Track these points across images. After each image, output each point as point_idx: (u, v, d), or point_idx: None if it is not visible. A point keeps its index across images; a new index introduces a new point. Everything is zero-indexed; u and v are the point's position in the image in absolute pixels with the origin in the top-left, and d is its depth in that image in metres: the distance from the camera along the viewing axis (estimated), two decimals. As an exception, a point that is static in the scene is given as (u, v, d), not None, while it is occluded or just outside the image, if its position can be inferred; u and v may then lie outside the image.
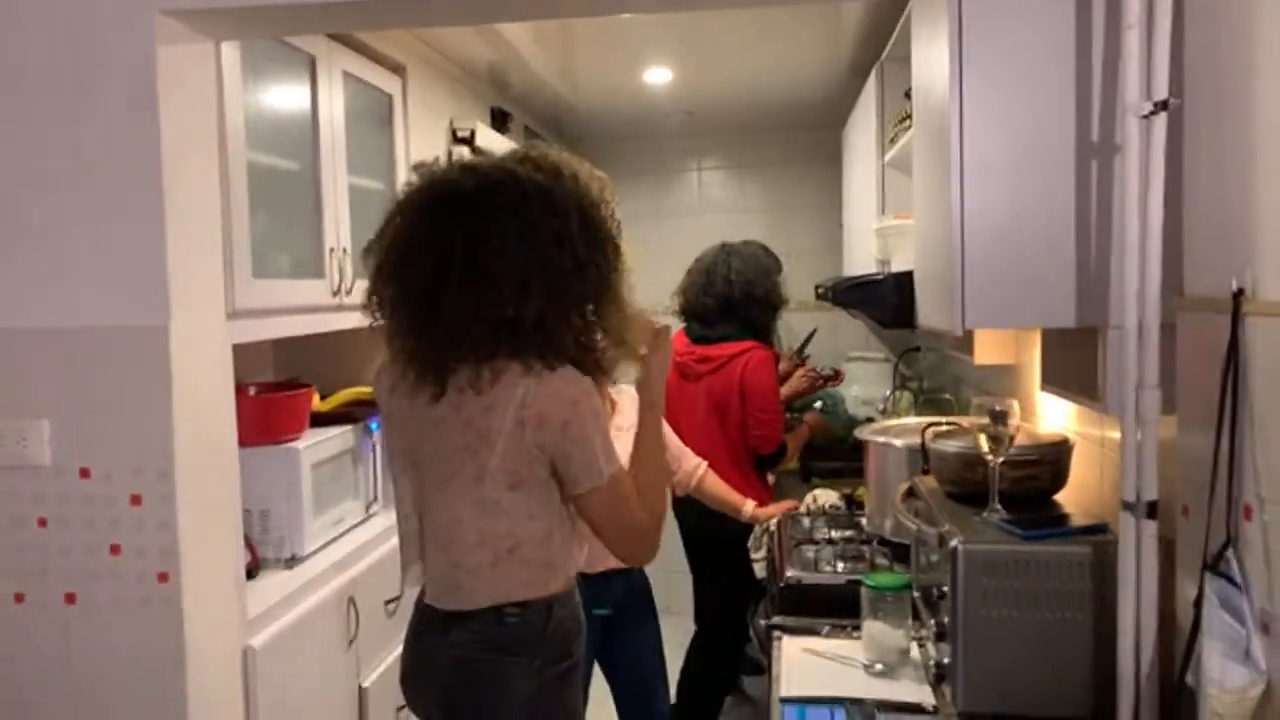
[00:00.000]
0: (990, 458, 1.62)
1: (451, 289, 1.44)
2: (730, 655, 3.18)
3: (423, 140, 2.71)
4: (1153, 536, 1.34)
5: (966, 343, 2.52)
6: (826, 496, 2.77)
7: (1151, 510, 1.34)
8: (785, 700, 1.64)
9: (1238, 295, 1.20)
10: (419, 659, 1.60)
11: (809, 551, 2.30)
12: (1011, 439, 1.61)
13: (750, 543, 2.64)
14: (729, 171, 4.66)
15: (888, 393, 3.58)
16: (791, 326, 3.90)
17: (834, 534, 2.42)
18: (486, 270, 1.43)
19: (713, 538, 2.94)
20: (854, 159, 3.49)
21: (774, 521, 2.60)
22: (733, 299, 2.99)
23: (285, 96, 2.05)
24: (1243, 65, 1.21)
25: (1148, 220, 1.31)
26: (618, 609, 2.40)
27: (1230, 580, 1.21)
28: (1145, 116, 1.30)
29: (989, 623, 1.50)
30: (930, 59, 1.72)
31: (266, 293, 1.87)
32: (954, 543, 1.52)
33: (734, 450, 2.93)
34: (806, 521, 2.56)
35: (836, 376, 3.53)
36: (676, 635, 3.29)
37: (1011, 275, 1.52)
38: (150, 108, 1.54)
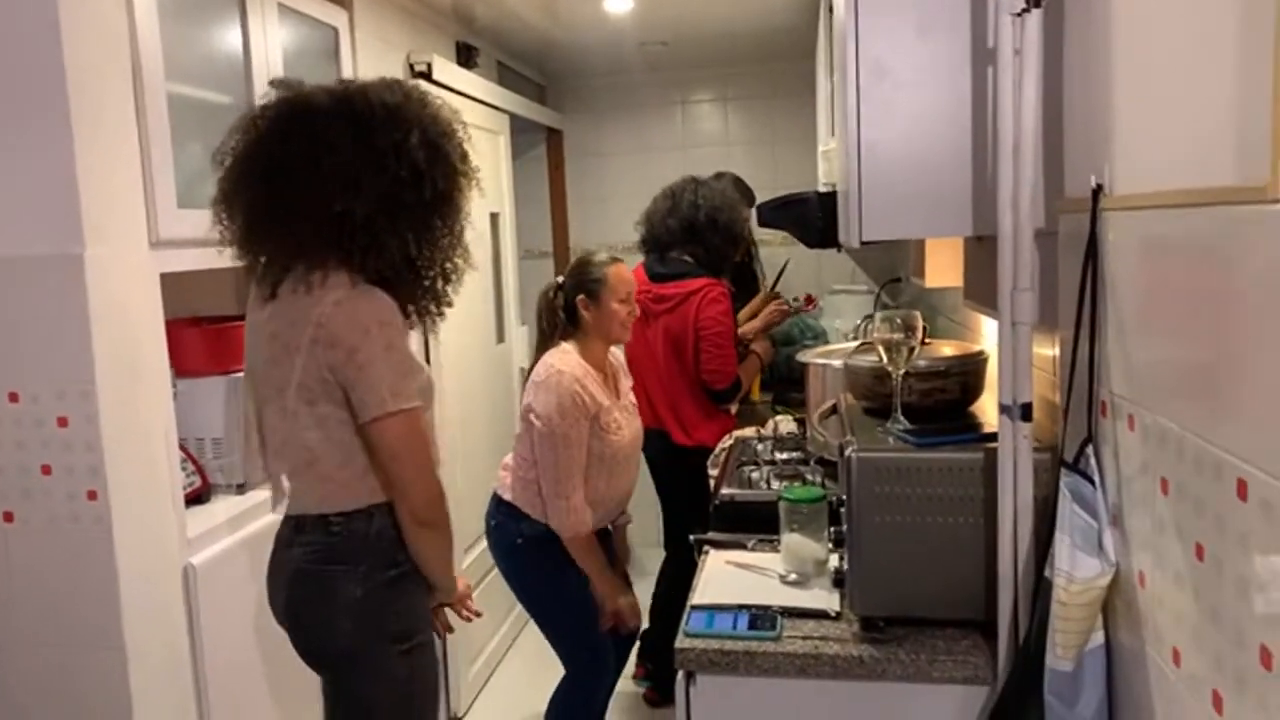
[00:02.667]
0: (892, 370, 1.63)
1: (283, 184, 1.48)
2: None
3: (375, 74, 2.70)
4: (1027, 438, 1.35)
5: (919, 267, 2.49)
6: (786, 423, 2.81)
7: (1026, 413, 1.35)
8: (695, 607, 1.69)
9: (1096, 192, 1.19)
10: (273, 571, 1.69)
11: (751, 472, 2.33)
12: (911, 351, 1.62)
13: (709, 461, 2.69)
14: (713, 105, 4.61)
15: (858, 321, 3.57)
16: (771, 260, 3.89)
17: (780, 456, 2.45)
18: (319, 163, 1.47)
19: (676, 465, 2.99)
20: (820, 85, 3.44)
21: (729, 444, 2.64)
22: (697, 223, 2.99)
23: (212, 30, 2.06)
24: (1102, -43, 1.19)
25: (1021, 120, 1.30)
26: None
27: (1087, 477, 1.23)
28: (1019, 14, 1.29)
29: (883, 529, 1.52)
30: (837, -31, 1.70)
31: (195, 223, 1.89)
32: (849, 451, 1.54)
33: (694, 388, 2.96)
34: (758, 445, 2.60)
35: (809, 303, 3.52)
36: (652, 565, 3.36)
37: (909, 185, 1.52)
38: (54, 39, 1.56)
